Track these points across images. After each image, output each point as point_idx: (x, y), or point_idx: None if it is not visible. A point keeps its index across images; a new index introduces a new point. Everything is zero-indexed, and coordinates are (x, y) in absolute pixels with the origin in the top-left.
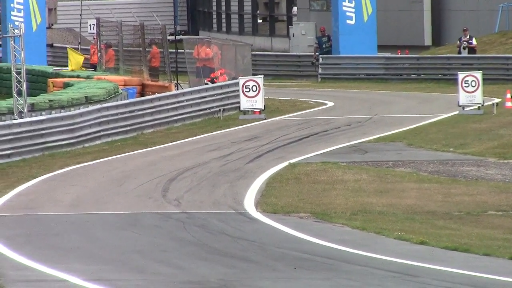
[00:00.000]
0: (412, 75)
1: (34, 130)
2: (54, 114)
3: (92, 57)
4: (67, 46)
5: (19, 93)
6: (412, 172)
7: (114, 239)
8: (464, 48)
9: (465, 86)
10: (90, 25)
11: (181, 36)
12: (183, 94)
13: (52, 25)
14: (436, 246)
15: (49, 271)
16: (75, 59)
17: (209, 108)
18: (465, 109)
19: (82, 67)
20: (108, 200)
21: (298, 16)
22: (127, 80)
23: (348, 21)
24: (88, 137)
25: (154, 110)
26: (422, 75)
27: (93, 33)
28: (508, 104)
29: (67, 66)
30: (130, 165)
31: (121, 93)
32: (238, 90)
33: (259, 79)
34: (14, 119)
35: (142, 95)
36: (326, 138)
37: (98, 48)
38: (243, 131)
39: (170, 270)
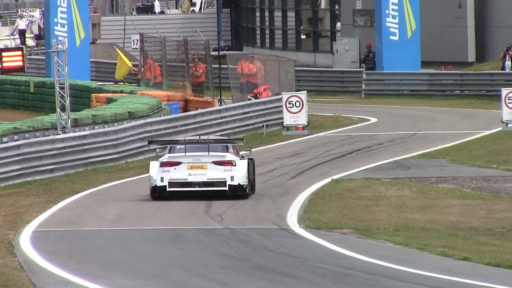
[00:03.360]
0: (456, 91)
1: (77, 145)
2: (97, 129)
3: (147, 73)
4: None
5: (63, 108)
6: (455, 188)
7: (157, 254)
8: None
9: (508, 102)
10: (133, 40)
11: (224, 52)
12: (226, 109)
13: (96, 40)
14: (479, 262)
15: (92, 286)
16: (123, 65)
17: (252, 124)
18: (509, 126)
19: (126, 82)
20: (151, 216)
21: (341, 32)
22: (170, 96)
23: (392, 37)
24: (131, 152)
25: (197, 125)
26: (465, 91)
27: (137, 48)
28: None
29: (111, 81)
30: None
31: (164, 108)
32: (281, 106)
33: (303, 94)
34: (57, 134)
35: (185, 110)
36: (369, 154)
37: (142, 64)
38: (286, 147)
39: (212, 285)
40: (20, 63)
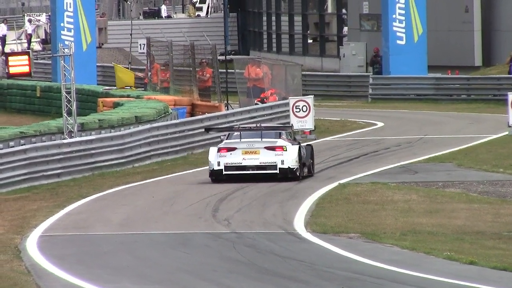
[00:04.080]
0: (462, 96)
1: (84, 150)
2: (104, 134)
3: (153, 77)
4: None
5: (69, 113)
6: (461, 193)
7: (164, 258)
8: None
9: None
10: (140, 44)
11: (231, 56)
12: (233, 114)
13: (102, 44)
14: (486, 266)
15: None
16: (124, 76)
17: None
18: None
19: (133, 86)
20: (158, 220)
21: (348, 36)
22: (177, 100)
23: (399, 41)
24: (138, 157)
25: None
26: (472, 96)
27: (143, 52)
28: None
29: (116, 86)
30: (180, 185)
31: (171, 113)
32: (288, 110)
33: (309, 99)
34: (64, 139)
35: (192, 115)
36: (376, 159)
37: (149, 68)
38: None
39: None
40: (27, 68)
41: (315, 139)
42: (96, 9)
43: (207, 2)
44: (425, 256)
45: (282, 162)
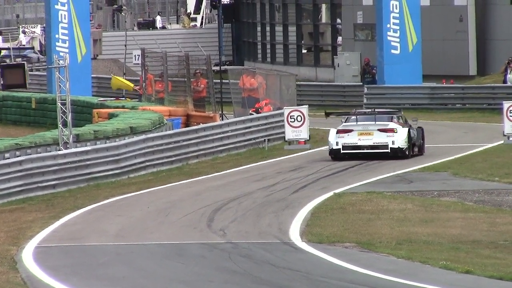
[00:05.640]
0: (457, 105)
1: (79, 161)
2: (99, 145)
3: (148, 88)
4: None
5: (64, 124)
6: (457, 202)
7: (160, 269)
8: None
9: (510, 116)
10: (135, 55)
11: (226, 67)
12: (228, 124)
13: (97, 56)
14: (482, 275)
15: None
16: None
17: (254, 139)
18: (510, 139)
19: (127, 98)
20: (153, 231)
21: (343, 46)
22: (172, 111)
23: (393, 51)
24: (133, 167)
25: (199, 140)
26: (467, 105)
27: (138, 63)
28: None
29: (112, 97)
30: (175, 196)
31: (166, 123)
32: (283, 120)
33: (304, 109)
34: (59, 150)
35: (187, 125)
36: (371, 168)
37: (144, 79)
38: (288, 161)
39: None
40: (22, 79)
41: (310, 149)
42: (90, 21)
43: (201, 13)
44: (421, 265)
45: (393, 142)
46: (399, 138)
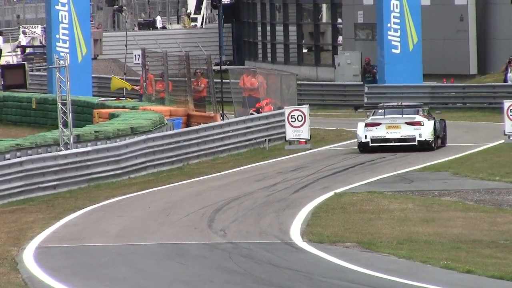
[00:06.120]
0: (458, 104)
1: (80, 162)
2: (100, 145)
3: (148, 88)
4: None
5: (65, 124)
6: (458, 201)
7: (161, 269)
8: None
9: (511, 115)
10: (135, 55)
11: (226, 66)
12: (229, 124)
13: (98, 56)
14: (483, 274)
15: None
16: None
17: (255, 139)
18: (511, 138)
19: (128, 97)
20: (154, 231)
21: (343, 46)
22: (172, 111)
23: (394, 50)
24: (134, 168)
25: (199, 140)
26: (467, 104)
27: (139, 63)
28: None
29: (113, 97)
30: (175, 196)
31: (166, 123)
32: (283, 120)
33: (305, 108)
34: (60, 151)
35: (187, 125)
36: (372, 168)
37: (144, 78)
38: (289, 161)
39: None
40: (22, 80)
41: (310, 149)
42: (91, 21)
43: (202, 13)
44: (422, 265)
45: (420, 135)
46: (426, 131)
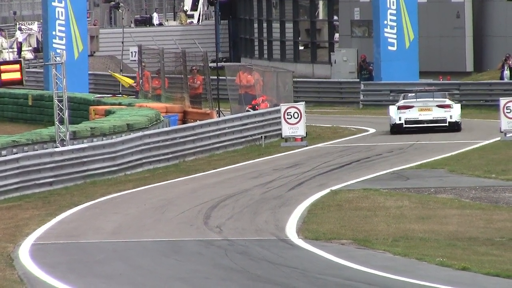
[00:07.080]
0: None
1: (76, 158)
2: (96, 142)
3: (145, 84)
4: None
5: (61, 121)
6: (454, 199)
7: (157, 266)
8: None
9: (507, 112)
10: (132, 52)
11: (222, 63)
12: (225, 121)
13: (94, 52)
14: (478, 272)
15: None
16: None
17: (251, 135)
18: (507, 135)
19: (124, 94)
20: (150, 228)
21: (339, 43)
22: (169, 108)
23: (390, 48)
24: (130, 164)
25: (195, 137)
26: (463, 101)
27: (135, 60)
28: None
29: (109, 94)
30: (171, 193)
31: (162, 120)
32: (279, 117)
33: (301, 105)
34: (56, 147)
35: (183, 122)
36: (368, 165)
37: (140, 75)
38: (285, 158)
39: None
40: (19, 76)
41: (306, 146)
42: (87, 18)
43: (198, 10)
44: (418, 262)
45: (451, 117)
46: (455, 113)
